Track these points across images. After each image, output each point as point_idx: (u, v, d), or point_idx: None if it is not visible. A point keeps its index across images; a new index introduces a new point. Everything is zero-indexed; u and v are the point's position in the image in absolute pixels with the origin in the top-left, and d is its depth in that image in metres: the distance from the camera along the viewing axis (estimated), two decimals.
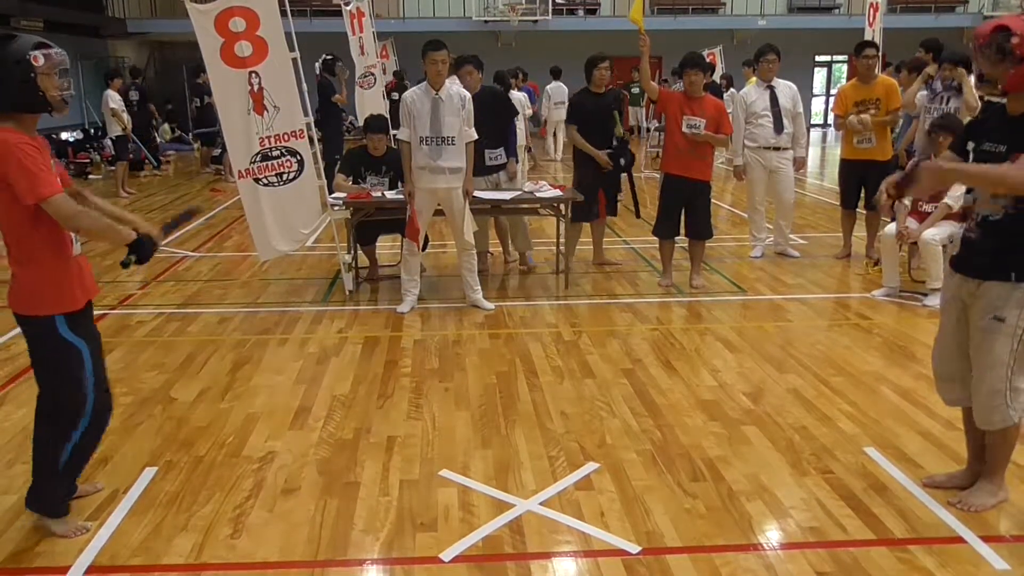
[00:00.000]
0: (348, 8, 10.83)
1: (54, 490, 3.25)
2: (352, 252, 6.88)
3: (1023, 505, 3.39)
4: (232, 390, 4.73)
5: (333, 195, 6.82)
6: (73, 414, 3.14)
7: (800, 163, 7.79)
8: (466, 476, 3.68)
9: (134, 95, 14.39)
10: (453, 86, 6.05)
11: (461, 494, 3.53)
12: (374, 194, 6.65)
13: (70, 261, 3.09)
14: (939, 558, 3.03)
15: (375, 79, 11.46)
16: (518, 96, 9.50)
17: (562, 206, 6.80)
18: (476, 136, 6.07)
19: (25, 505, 3.28)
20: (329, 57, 10.86)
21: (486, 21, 21.16)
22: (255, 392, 4.72)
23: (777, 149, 7.53)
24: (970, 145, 3.19)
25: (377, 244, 7.20)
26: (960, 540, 3.15)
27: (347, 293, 6.69)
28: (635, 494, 3.51)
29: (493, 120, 6.76)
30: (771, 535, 3.21)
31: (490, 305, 6.29)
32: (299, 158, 6.40)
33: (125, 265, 3.09)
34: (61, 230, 3.01)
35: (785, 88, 7.56)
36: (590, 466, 3.75)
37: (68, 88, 3.02)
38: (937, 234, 6.11)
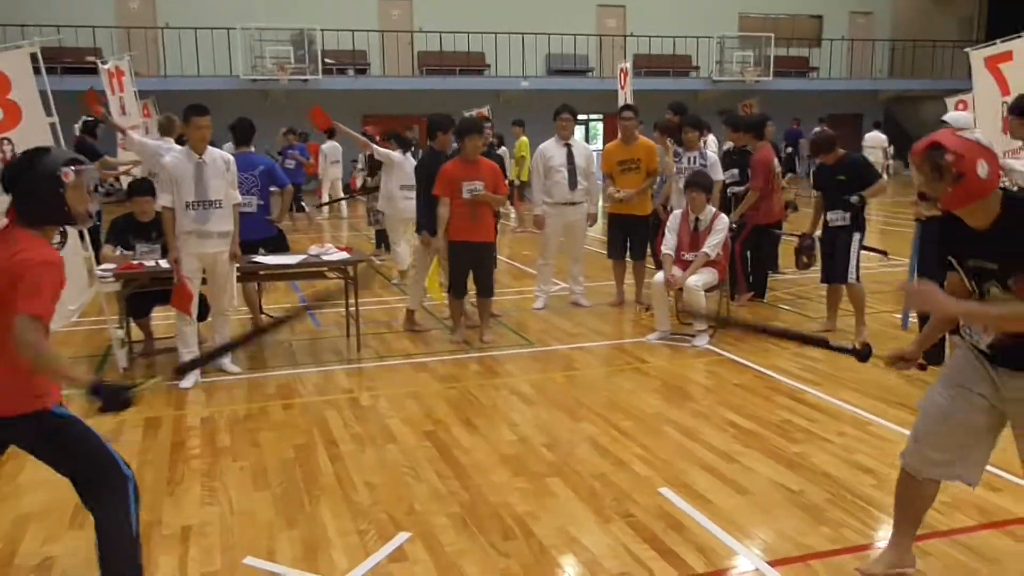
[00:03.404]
0: (106, 67, 10.20)
1: (135, 560, 3.02)
2: (124, 326, 6.41)
3: (792, 527, 3.73)
4: None
5: (101, 267, 6.34)
6: (115, 468, 3.01)
7: (592, 218, 8.37)
8: (273, 561, 3.51)
9: None
10: (215, 150, 5.96)
11: None
12: (146, 263, 6.26)
13: None
14: None
15: None
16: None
17: (350, 269, 6.74)
18: (240, 198, 6.11)
19: None
20: (91, 119, 10.05)
21: (254, 80, 20.70)
22: (25, 491, 4.24)
23: (572, 204, 7.99)
24: (951, 260, 2.99)
25: (152, 316, 6.76)
26: (752, 570, 3.42)
27: (120, 371, 6.21)
28: (449, 560, 3.51)
29: None
30: None
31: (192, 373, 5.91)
32: (62, 230, 5.90)
33: (104, 411, 2.95)
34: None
35: (581, 148, 8.15)
36: (401, 536, 3.70)
37: (93, 201, 3.09)
38: (699, 280, 6.69)
